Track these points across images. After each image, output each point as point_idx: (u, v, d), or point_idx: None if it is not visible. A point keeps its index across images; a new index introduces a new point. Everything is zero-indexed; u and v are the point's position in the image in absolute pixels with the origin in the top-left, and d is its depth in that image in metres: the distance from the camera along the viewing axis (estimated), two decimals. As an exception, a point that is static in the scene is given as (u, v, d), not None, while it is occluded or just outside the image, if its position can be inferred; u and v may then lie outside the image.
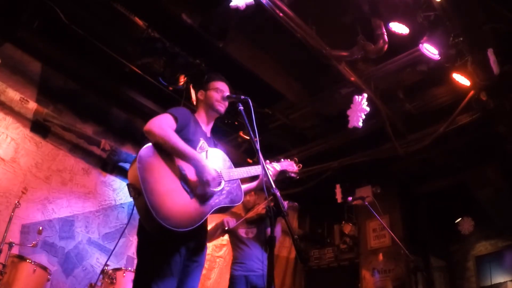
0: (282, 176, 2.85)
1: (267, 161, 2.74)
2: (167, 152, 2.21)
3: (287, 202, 4.06)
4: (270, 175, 2.47)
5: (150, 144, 2.19)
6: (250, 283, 3.81)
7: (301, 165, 2.99)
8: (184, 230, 2.06)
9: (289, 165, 2.90)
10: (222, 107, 2.60)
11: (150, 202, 1.98)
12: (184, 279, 2.21)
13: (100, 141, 4.79)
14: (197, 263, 2.29)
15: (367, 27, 3.92)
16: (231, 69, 4.53)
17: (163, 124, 2.24)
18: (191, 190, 2.19)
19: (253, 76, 4.59)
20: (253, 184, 2.69)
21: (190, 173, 2.24)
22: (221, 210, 2.36)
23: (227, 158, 2.54)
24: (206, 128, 2.61)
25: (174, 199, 2.10)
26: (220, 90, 2.61)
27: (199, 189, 2.22)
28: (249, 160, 5.75)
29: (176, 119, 2.30)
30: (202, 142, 2.44)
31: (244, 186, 2.60)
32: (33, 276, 3.43)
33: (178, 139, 2.22)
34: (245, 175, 2.52)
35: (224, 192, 2.36)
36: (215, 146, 2.56)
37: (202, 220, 2.18)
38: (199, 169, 2.23)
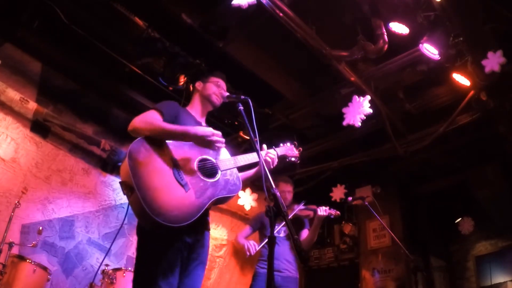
0: (283, 162, 2.80)
1: (264, 146, 2.70)
2: (159, 145, 2.16)
3: (328, 208, 3.96)
4: (273, 164, 2.52)
5: (139, 138, 2.14)
6: (275, 283, 3.66)
7: (301, 149, 2.96)
8: (180, 225, 2.00)
9: (289, 149, 2.87)
10: (218, 100, 2.62)
11: (143, 198, 1.92)
12: (185, 279, 2.15)
13: (100, 141, 4.79)
14: (198, 261, 2.23)
15: (367, 27, 3.92)
16: (231, 69, 4.50)
17: (145, 118, 2.23)
18: (186, 183, 2.13)
19: (253, 76, 4.59)
20: (251, 172, 2.63)
21: (185, 165, 2.20)
22: (219, 201, 2.30)
23: (224, 148, 2.50)
24: (200, 118, 2.59)
25: (169, 194, 2.03)
26: (219, 86, 2.64)
27: (196, 180, 2.17)
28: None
29: (161, 112, 2.28)
30: None
31: (241, 174, 2.54)
32: (33, 276, 3.43)
33: (164, 123, 2.20)
34: (242, 164, 2.48)
35: (221, 182, 2.30)
36: None
37: (200, 214, 2.10)
38: (196, 139, 2.20)
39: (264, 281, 3.69)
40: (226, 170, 2.36)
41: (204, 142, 2.24)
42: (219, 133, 2.28)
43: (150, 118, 2.22)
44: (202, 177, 2.24)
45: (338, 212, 4.02)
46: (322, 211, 3.92)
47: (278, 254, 3.81)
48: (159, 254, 2.06)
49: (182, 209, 2.05)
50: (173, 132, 2.20)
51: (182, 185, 2.11)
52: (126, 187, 2.00)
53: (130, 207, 2.05)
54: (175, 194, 2.07)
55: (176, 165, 2.17)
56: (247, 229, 4.07)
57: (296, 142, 2.95)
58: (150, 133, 2.15)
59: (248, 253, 3.72)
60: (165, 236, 2.07)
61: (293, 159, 2.87)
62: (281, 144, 2.86)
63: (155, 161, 2.10)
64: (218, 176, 2.31)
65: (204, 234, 2.32)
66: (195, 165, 2.25)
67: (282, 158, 2.77)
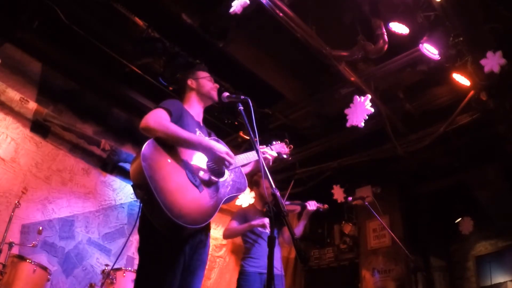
0: (276, 159, 2.85)
1: (263, 146, 2.79)
2: (169, 146, 2.17)
3: (314, 202, 3.96)
4: (270, 163, 2.61)
5: (150, 140, 2.13)
6: (264, 282, 3.55)
7: (292, 146, 3.02)
8: (199, 226, 2.04)
9: (281, 147, 2.94)
10: (216, 95, 2.64)
11: (162, 201, 1.92)
12: (187, 278, 2.16)
13: (100, 141, 4.80)
14: (200, 262, 2.25)
15: (367, 27, 3.92)
16: (231, 69, 4.54)
17: (159, 118, 2.21)
18: (199, 184, 2.17)
19: (253, 76, 4.59)
20: (246, 170, 2.68)
21: (196, 166, 2.22)
22: (228, 200, 2.34)
23: (225, 146, 2.51)
24: (198, 117, 2.60)
25: (185, 196, 2.06)
26: (211, 79, 2.68)
27: (208, 180, 2.21)
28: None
29: (169, 112, 2.28)
30: (198, 133, 2.43)
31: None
32: (33, 276, 3.43)
33: (179, 129, 2.20)
34: (246, 162, 2.54)
35: (229, 181, 2.36)
36: (209, 135, 2.56)
37: (215, 213, 2.16)
38: (209, 152, 2.22)
39: (253, 281, 3.60)
40: (232, 170, 2.42)
41: (215, 158, 2.25)
42: (232, 154, 2.31)
43: (164, 120, 2.21)
44: (212, 177, 2.27)
45: (326, 205, 4.03)
46: (312, 205, 3.91)
47: (265, 250, 3.71)
48: (162, 255, 2.07)
49: (199, 210, 2.09)
50: (188, 141, 2.20)
51: (196, 186, 2.14)
52: (142, 190, 1.98)
53: (141, 209, 2.06)
54: (191, 195, 2.09)
55: (188, 166, 2.19)
56: (233, 223, 3.87)
57: (287, 140, 2.99)
58: (164, 136, 2.15)
59: (268, 230, 3.58)
60: (171, 237, 2.07)
61: (284, 156, 2.94)
62: (274, 142, 2.92)
63: (168, 163, 2.11)
64: (226, 175, 2.35)
65: (207, 235, 2.34)
66: (205, 166, 2.28)
67: (275, 157, 2.83)
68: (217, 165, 2.28)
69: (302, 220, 4.00)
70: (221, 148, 2.26)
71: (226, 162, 2.26)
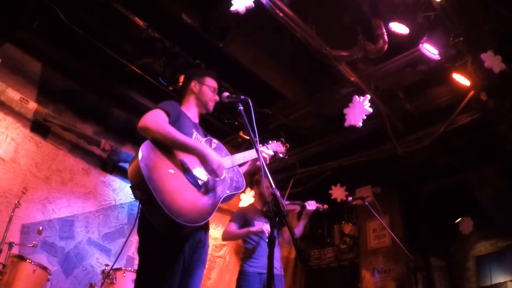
0: (273, 159, 2.86)
1: (260, 145, 2.78)
2: (166, 147, 2.18)
3: (313, 202, 3.98)
4: (266, 162, 2.61)
5: (148, 141, 2.15)
6: (263, 282, 3.58)
7: (288, 145, 3.02)
8: (198, 224, 2.06)
9: (277, 146, 2.95)
10: (212, 107, 2.67)
11: (161, 200, 1.94)
12: (187, 278, 2.17)
13: (100, 141, 4.80)
14: (199, 261, 2.26)
15: (367, 27, 3.92)
16: (231, 69, 4.54)
17: (158, 119, 2.22)
18: (197, 183, 2.18)
19: (253, 76, 4.59)
20: (243, 169, 2.69)
21: (193, 166, 2.23)
22: (226, 198, 2.36)
23: (222, 146, 2.55)
24: (194, 119, 2.61)
25: (184, 195, 2.08)
26: (215, 90, 2.67)
27: (206, 179, 2.22)
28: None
29: (168, 113, 2.29)
30: (195, 134, 2.44)
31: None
32: (33, 276, 3.43)
33: (176, 132, 2.21)
34: (243, 161, 2.56)
35: (227, 180, 2.37)
36: (205, 136, 2.57)
37: (214, 212, 2.18)
38: (203, 159, 2.23)
39: (253, 281, 3.61)
40: (229, 168, 2.43)
41: (207, 166, 2.27)
42: (224, 166, 2.35)
43: (162, 121, 2.22)
44: (210, 176, 2.29)
45: (326, 206, 4.03)
46: (311, 205, 3.91)
47: (265, 251, 3.67)
48: (162, 255, 2.07)
49: (198, 208, 2.10)
50: (184, 145, 2.21)
51: (194, 185, 2.16)
52: (140, 190, 2.00)
53: (140, 209, 2.08)
54: (189, 194, 2.11)
55: (185, 166, 2.20)
56: (232, 226, 3.86)
57: (283, 139, 3.00)
58: (160, 137, 2.16)
59: (267, 233, 3.59)
60: (171, 236, 2.08)
61: (281, 155, 2.95)
62: (269, 142, 2.93)
63: (165, 163, 2.13)
64: (224, 174, 2.36)
65: (206, 235, 2.35)
66: (203, 165, 2.29)
67: (272, 156, 2.84)
68: (209, 173, 2.29)
69: (302, 220, 4.02)
70: (214, 158, 2.27)
71: (218, 173, 2.29)
